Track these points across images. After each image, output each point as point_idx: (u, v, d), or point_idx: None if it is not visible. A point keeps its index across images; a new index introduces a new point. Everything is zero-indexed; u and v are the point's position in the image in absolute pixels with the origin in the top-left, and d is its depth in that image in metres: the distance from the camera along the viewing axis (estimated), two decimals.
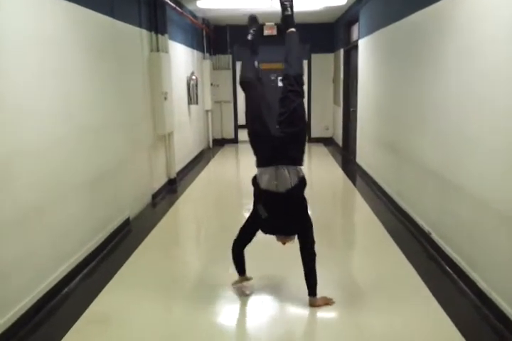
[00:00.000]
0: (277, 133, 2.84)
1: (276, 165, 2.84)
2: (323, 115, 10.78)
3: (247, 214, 3.17)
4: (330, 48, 10.33)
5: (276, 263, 3.76)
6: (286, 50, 3.08)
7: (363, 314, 3.01)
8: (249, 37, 3.31)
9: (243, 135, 3.41)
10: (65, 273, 3.46)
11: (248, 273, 3.32)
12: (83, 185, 3.82)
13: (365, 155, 7.19)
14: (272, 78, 12.29)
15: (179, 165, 7.19)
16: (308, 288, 3.08)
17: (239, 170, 8.76)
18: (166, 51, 6.11)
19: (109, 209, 4.36)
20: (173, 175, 6.68)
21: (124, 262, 3.91)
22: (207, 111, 10.10)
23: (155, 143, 5.98)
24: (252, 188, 3.02)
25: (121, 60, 4.76)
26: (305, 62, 10.49)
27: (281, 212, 2.90)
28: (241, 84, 3.09)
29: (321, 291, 3.12)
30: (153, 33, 5.78)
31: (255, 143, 2.97)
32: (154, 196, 5.88)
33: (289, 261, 3.49)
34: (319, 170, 8.06)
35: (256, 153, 2.97)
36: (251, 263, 3.32)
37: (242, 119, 3.08)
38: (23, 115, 2.94)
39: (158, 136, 6.07)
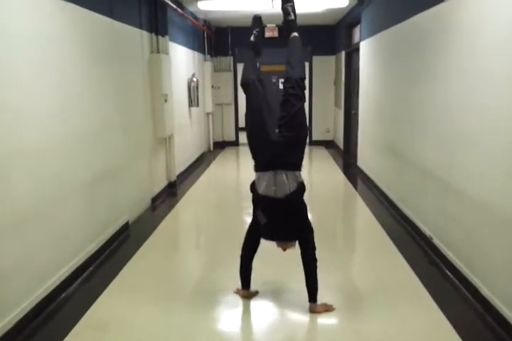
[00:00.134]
0: (277, 137, 2.81)
1: (274, 170, 2.80)
2: (324, 117, 10.75)
3: (247, 218, 3.14)
4: (331, 50, 10.31)
5: (277, 269, 3.72)
6: (288, 53, 3.05)
7: (363, 319, 2.98)
8: (252, 38, 3.27)
9: (244, 138, 3.38)
10: (63, 278, 3.43)
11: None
12: (82, 188, 3.78)
13: (366, 159, 7.15)
14: (273, 80, 12.26)
15: (179, 168, 7.15)
16: (308, 293, 3.04)
17: (239, 173, 8.72)
18: (167, 53, 6.08)
19: (108, 213, 4.32)
20: (173, 178, 6.65)
21: (123, 266, 3.87)
22: (208, 113, 10.07)
23: (155, 146, 5.95)
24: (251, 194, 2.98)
25: (121, 61, 4.72)
26: (306, 65, 10.48)
27: (280, 218, 2.86)
28: (242, 85, 3.05)
29: (322, 296, 3.08)
30: (153, 34, 5.76)
31: (254, 146, 2.94)
32: (154, 199, 5.85)
33: (289, 266, 3.45)
34: (320, 173, 8.02)
35: (254, 157, 2.93)
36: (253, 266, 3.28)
37: (243, 122, 3.04)
38: (20, 116, 2.91)
39: (159, 138, 6.04)
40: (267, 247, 3.15)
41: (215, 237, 4.74)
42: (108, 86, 4.35)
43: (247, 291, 3.25)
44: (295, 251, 3.00)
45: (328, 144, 10.66)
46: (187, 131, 7.96)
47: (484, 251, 3.08)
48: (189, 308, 3.17)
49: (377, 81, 6.26)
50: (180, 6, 7.00)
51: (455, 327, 2.84)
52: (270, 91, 3.05)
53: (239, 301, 3.23)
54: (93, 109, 4.02)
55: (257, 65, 3.20)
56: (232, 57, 10.35)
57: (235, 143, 10.92)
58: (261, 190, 2.84)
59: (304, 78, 2.96)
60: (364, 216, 5.33)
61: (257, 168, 2.89)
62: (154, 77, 5.72)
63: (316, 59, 10.52)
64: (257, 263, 3.18)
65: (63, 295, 3.37)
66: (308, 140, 10.80)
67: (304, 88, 2.93)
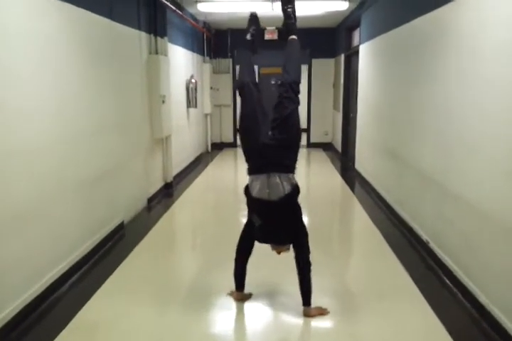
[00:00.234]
0: (269, 139, 2.79)
1: (268, 172, 2.78)
2: (322, 120, 10.74)
3: (243, 220, 3.12)
4: (331, 53, 10.30)
5: (271, 271, 3.69)
6: (285, 56, 3.05)
7: (358, 323, 2.96)
8: (249, 37, 3.25)
9: None
10: (56, 277, 3.41)
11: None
12: (77, 188, 3.76)
13: (364, 162, 7.13)
14: (272, 82, 12.26)
15: (176, 168, 7.13)
16: (302, 297, 3.02)
17: (237, 174, 8.69)
18: (165, 54, 6.06)
19: (103, 213, 4.30)
20: (169, 179, 6.62)
21: (116, 267, 3.85)
22: (206, 114, 10.06)
23: (152, 147, 5.92)
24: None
25: (119, 62, 4.70)
26: (305, 67, 10.48)
27: (274, 221, 2.83)
28: (238, 88, 3.05)
29: (317, 300, 3.07)
30: (152, 35, 5.73)
31: (247, 149, 2.92)
32: (150, 200, 5.82)
33: (283, 269, 3.43)
34: (318, 176, 8.00)
35: (248, 159, 2.91)
36: (248, 269, 3.24)
37: None
38: (16, 116, 2.89)
39: (156, 139, 6.01)
40: (261, 250, 3.12)
41: (210, 239, 4.71)
42: (105, 86, 4.33)
43: (240, 294, 3.23)
44: (289, 254, 2.98)
45: (326, 147, 10.64)
46: (185, 132, 7.94)
47: (482, 258, 3.06)
48: (182, 310, 3.14)
49: (376, 84, 6.25)
50: (180, 7, 6.98)
51: (450, 333, 2.81)
52: (267, 95, 3.02)
53: (233, 303, 3.21)
54: (90, 109, 4.00)
55: (254, 66, 3.17)
56: (231, 59, 10.34)
57: (233, 145, 10.90)
58: (254, 192, 2.81)
59: (299, 82, 2.94)
60: (361, 219, 5.31)
61: (251, 171, 2.87)
62: (152, 78, 5.70)
63: (315, 62, 10.51)
64: (251, 265, 3.16)
65: (55, 294, 3.35)
66: (306, 142, 10.89)
67: (298, 92, 2.92)
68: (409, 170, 4.65)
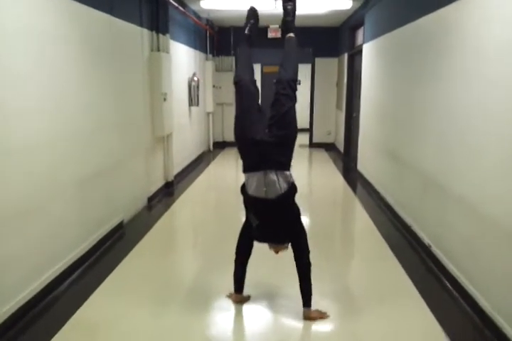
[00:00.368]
0: (266, 137, 2.75)
1: (264, 169, 2.73)
2: (325, 120, 10.69)
3: (244, 220, 3.08)
4: (334, 52, 10.24)
5: (270, 272, 3.66)
6: (283, 54, 3.03)
7: (358, 326, 2.92)
8: (247, 31, 3.20)
9: None
10: (54, 276, 3.38)
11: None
12: (76, 186, 3.73)
13: (366, 163, 7.08)
14: (275, 81, 12.18)
15: (178, 167, 7.09)
16: (303, 298, 2.99)
17: (239, 173, 8.60)
18: (167, 51, 6.01)
19: (102, 212, 4.26)
20: (170, 178, 6.58)
21: (115, 266, 3.82)
22: (208, 113, 10.01)
23: (153, 145, 5.88)
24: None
25: (119, 59, 4.66)
26: (308, 66, 10.44)
27: (272, 220, 2.80)
28: (235, 84, 3.01)
29: (317, 302, 3.04)
30: (154, 32, 5.69)
31: (243, 147, 2.88)
32: (150, 199, 5.78)
33: (283, 270, 3.42)
34: (320, 176, 7.96)
35: (243, 157, 2.87)
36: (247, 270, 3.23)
37: None
38: (14, 113, 2.86)
39: (157, 137, 5.97)
40: (259, 250, 3.10)
41: (211, 238, 4.67)
42: (106, 84, 4.29)
43: (239, 296, 3.20)
44: (288, 254, 2.94)
45: (329, 147, 10.59)
46: (186, 131, 7.90)
47: (484, 262, 3.01)
48: (182, 311, 3.11)
49: (380, 84, 6.20)
50: (183, 4, 6.94)
51: (450, 337, 2.77)
52: (269, 93, 2.99)
53: (232, 305, 3.18)
54: (90, 106, 3.96)
55: (252, 63, 3.12)
56: (234, 57, 10.28)
57: (235, 144, 10.82)
58: (251, 191, 2.77)
59: (296, 80, 2.91)
60: (362, 221, 5.26)
61: (247, 169, 2.83)
62: (154, 75, 5.65)
63: (318, 61, 10.46)
64: (249, 266, 3.13)
65: (54, 293, 3.33)
66: (308, 142, 10.84)
67: (296, 89, 2.89)
68: (411, 171, 4.60)
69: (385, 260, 4.03)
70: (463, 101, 3.37)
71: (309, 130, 10.85)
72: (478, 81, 3.12)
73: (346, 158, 9.00)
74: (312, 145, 10.76)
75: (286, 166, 2.81)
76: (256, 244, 3.04)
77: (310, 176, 8.12)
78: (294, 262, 2.95)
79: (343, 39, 9.46)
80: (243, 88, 2.93)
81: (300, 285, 2.97)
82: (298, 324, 2.96)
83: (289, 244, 2.92)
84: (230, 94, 10.48)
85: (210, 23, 9.35)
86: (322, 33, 10.11)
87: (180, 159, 7.37)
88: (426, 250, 4.04)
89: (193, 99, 8.05)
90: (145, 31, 5.45)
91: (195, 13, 8.16)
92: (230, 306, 3.17)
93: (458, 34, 3.49)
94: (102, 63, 4.20)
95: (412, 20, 4.63)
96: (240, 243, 3.09)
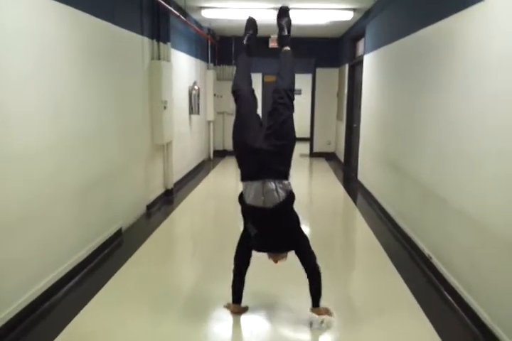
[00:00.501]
0: (265, 146, 2.75)
1: (263, 179, 2.73)
2: (325, 130, 10.71)
3: (242, 229, 3.06)
4: (335, 63, 10.28)
5: (268, 282, 3.62)
6: (279, 65, 3.06)
7: (358, 337, 2.90)
8: (245, 41, 3.23)
9: None
10: (50, 284, 3.35)
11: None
12: (74, 193, 3.71)
13: (366, 173, 7.07)
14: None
15: (177, 175, 7.08)
16: (312, 299, 3.00)
17: (238, 182, 8.58)
18: (168, 59, 6.03)
19: (100, 219, 4.24)
20: (170, 186, 6.56)
21: (112, 275, 3.79)
22: (209, 121, 10.02)
23: (152, 153, 5.87)
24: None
25: (120, 66, 4.67)
26: (309, 77, 10.47)
27: (270, 228, 2.79)
28: (233, 93, 3.03)
29: None
30: (155, 40, 5.71)
31: (241, 155, 2.88)
32: (149, 207, 5.76)
33: (282, 279, 3.42)
34: (320, 186, 7.94)
35: (241, 166, 2.87)
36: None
37: None
38: (13, 121, 2.85)
39: (156, 145, 5.97)
40: (257, 260, 3.07)
41: (210, 247, 4.64)
42: (106, 91, 4.29)
43: (237, 306, 3.16)
44: (287, 263, 2.92)
45: (329, 156, 10.59)
46: (186, 139, 7.90)
47: (485, 274, 2.98)
48: (179, 320, 3.08)
49: (380, 94, 6.21)
50: (184, 13, 6.96)
51: None
52: (270, 102, 2.99)
53: (230, 315, 3.14)
54: (89, 113, 3.96)
55: (250, 72, 3.15)
56: (235, 67, 10.30)
57: (234, 152, 10.82)
58: (249, 200, 2.76)
59: (293, 89, 2.93)
60: (362, 232, 5.23)
61: (244, 178, 2.82)
62: (154, 83, 5.66)
63: (319, 71, 10.51)
64: (247, 276, 3.10)
65: (50, 301, 3.30)
66: (309, 152, 10.84)
67: (293, 98, 2.90)
68: (411, 182, 4.59)
69: (384, 270, 3.99)
70: (463, 113, 3.37)
71: (310, 139, 10.86)
72: (479, 92, 3.12)
73: (347, 168, 8.99)
74: (312, 154, 10.76)
75: (285, 175, 2.80)
76: (254, 254, 3.01)
77: (310, 186, 8.10)
78: (303, 268, 2.95)
79: (344, 50, 9.50)
80: (241, 97, 2.95)
81: (310, 287, 2.98)
82: (297, 335, 2.94)
83: (288, 253, 2.90)
84: (230, 103, 10.46)
85: (211, 32, 9.40)
86: (323, 44, 10.16)
87: (180, 167, 7.36)
88: (426, 261, 4.01)
89: (193, 108, 8.06)
90: (146, 39, 5.47)
91: (196, 23, 8.20)
92: (228, 316, 3.13)
93: (458, 46, 3.50)
94: (102, 71, 4.21)
95: (412, 32, 4.64)
96: (238, 253, 3.07)
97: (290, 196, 2.78)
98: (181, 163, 7.42)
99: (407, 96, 4.90)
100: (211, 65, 9.79)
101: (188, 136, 8.00)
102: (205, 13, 7.21)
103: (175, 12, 6.07)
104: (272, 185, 2.71)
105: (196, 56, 8.48)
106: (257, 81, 9.76)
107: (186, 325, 3.02)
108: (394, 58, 5.52)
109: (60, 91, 3.45)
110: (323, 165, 9.87)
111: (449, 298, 3.44)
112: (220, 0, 6.59)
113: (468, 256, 3.23)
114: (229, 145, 10.77)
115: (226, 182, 8.36)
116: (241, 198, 2.84)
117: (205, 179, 8.20)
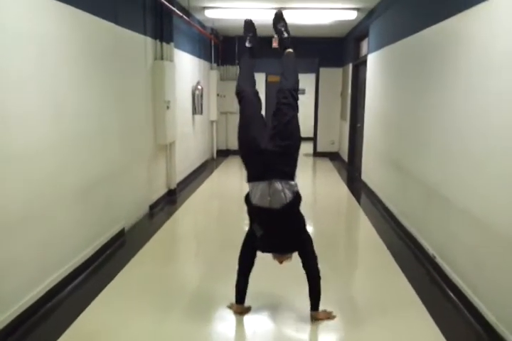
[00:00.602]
0: (270, 146, 2.75)
1: (269, 179, 2.72)
2: (329, 129, 10.69)
3: (247, 229, 3.05)
4: (339, 63, 10.26)
5: (271, 283, 3.61)
6: (283, 65, 3.08)
7: (361, 337, 2.89)
8: (248, 44, 3.25)
9: None
10: (53, 285, 3.35)
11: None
12: (76, 193, 3.70)
13: (370, 172, 7.05)
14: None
15: (180, 175, 7.07)
16: (311, 302, 3.01)
17: (242, 182, 8.61)
18: (171, 60, 6.02)
19: (102, 220, 4.24)
20: (173, 186, 6.56)
21: (115, 275, 3.78)
22: (212, 121, 10.02)
23: (155, 153, 5.87)
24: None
25: (123, 67, 4.67)
26: (313, 76, 10.45)
27: (276, 229, 2.78)
28: (236, 95, 3.03)
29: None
30: (158, 40, 5.71)
31: (247, 156, 2.88)
32: (152, 207, 5.75)
33: (285, 280, 3.41)
34: (324, 186, 7.92)
35: (247, 167, 2.86)
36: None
37: None
38: (13, 121, 2.84)
39: (159, 145, 5.96)
40: (260, 261, 3.06)
41: (213, 247, 4.63)
42: (108, 91, 4.29)
43: (240, 306, 3.15)
44: (289, 265, 2.92)
45: (333, 156, 10.57)
46: (189, 139, 7.89)
47: (489, 274, 2.96)
48: (182, 320, 3.08)
49: (384, 94, 6.19)
50: (187, 13, 6.96)
51: None
52: (274, 102, 2.99)
53: (233, 315, 3.13)
54: (91, 113, 3.95)
55: (253, 73, 3.16)
56: (238, 67, 10.30)
57: (239, 153, 10.80)
58: (255, 200, 2.75)
59: (297, 89, 2.94)
60: (366, 231, 5.21)
61: (251, 178, 2.81)
62: (157, 83, 5.66)
63: (323, 71, 10.48)
64: (251, 276, 3.09)
65: (53, 301, 3.30)
66: (312, 151, 10.82)
67: (297, 98, 2.90)
68: (415, 182, 4.57)
69: (388, 270, 3.98)
70: (467, 113, 3.34)
71: (313, 139, 10.84)
72: (483, 92, 3.09)
73: (350, 168, 8.97)
74: (316, 154, 10.74)
75: (291, 176, 2.80)
76: (258, 254, 3.01)
77: (314, 185, 8.08)
78: (303, 269, 2.95)
79: (348, 49, 9.48)
80: (245, 99, 2.96)
81: (310, 290, 2.98)
82: (299, 335, 2.93)
83: (293, 254, 2.90)
84: (234, 103, 10.47)
85: (214, 32, 9.39)
86: (327, 44, 10.14)
87: (183, 167, 7.35)
88: (430, 260, 3.99)
89: (196, 108, 8.05)
90: (149, 40, 5.46)
91: (199, 23, 8.19)
92: (231, 316, 3.12)
93: (463, 45, 3.48)
94: (104, 71, 4.20)
95: (416, 31, 4.62)
96: (243, 253, 3.06)
97: (297, 197, 2.78)
98: (184, 163, 7.41)
99: (410, 95, 4.88)
100: (214, 65, 9.78)
101: (191, 135, 8.00)
102: (209, 13, 7.21)
103: (178, 12, 6.07)
104: (278, 185, 2.70)
105: (199, 56, 8.48)
106: (260, 81, 9.73)
107: (189, 325, 3.01)
108: (398, 58, 5.50)
109: (61, 91, 3.45)
110: (326, 164, 9.85)
111: (454, 297, 3.42)
112: (224, 0, 6.59)
113: (472, 256, 3.21)
114: (232, 144, 10.81)
115: (229, 181, 8.35)
116: (247, 198, 2.83)
117: (209, 179, 8.19)
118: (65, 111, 3.52)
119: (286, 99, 2.83)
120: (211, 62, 9.62)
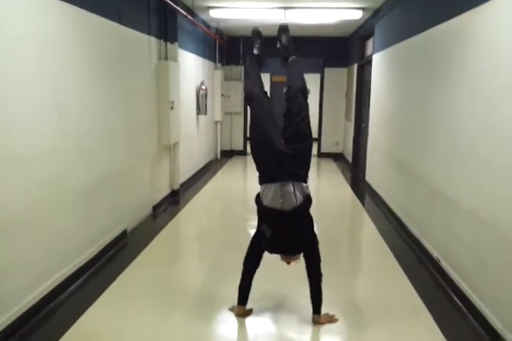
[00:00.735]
0: (282, 148, 2.75)
1: (281, 181, 2.71)
2: (334, 130, 10.65)
3: (250, 230, 3.04)
4: (344, 63, 10.21)
5: (274, 285, 3.59)
6: (288, 69, 3.13)
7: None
8: (255, 51, 3.27)
9: None
10: (55, 285, 3.34)
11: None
12: (79, 194, 3.68)
13: (374, 173, 7.00)
14: (284, 91, 12.17)
15: (184, 176, 7.05)
16: (313, 305, 2.99)
17: (246, 182, 8.61)
18: (175, 60, 6.00)
19: (105, 221, 4.22)
20: (176, 187, 6.53)
21: (117, 276, 3.76)
22: (216, 121, 10.00)
23: (159, 153, 5.85)
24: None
25: (127, 66, 4.65)
26: (318, 76, 10.41)
27: (285, 231, 2.76)
28: (246, 99, 3.04)
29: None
30: (162, 40, 5.69)
31: (259, 158, 2.87)
32: (155, 207, 5.73)
33: (288, 280, 3.39)
34: (327, 187, 7.88)
35: (259, 168, 2.86)
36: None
37: None
38: (15, 121, 2.83)
39: (163, 146, 5.94)
40: (263, 262, 3.04)
41: (216, 249, 4.60)
42: (112, 91, 4.27)
43: (242, 308, 3.13)
44: (292, 266, 2.88)
45: (337, 157, 10.53)
46: (194, 139, 7.87)
47: (495, 279, 2.91)
48: (184, 322, 3.06)
49: (389, 95, 6.14)
50: (192, 13, 6.93)
51: None
52: (279, 102, 2.99)
53: (235, 318, 3.11)
54: (95, 113, 3.93)
55: (260, 75, 3.17)
56: (243, 67, 10.29)
57: (243, 153, 10.82)
58: (266, 201, 2.75)
59: (306, 88, 2.94)
60: (370, 233, 5.17)
61: (263, 180, 2.81)
62: (161, 83, 5.64)
63: (328, 71, 10.44)
64: (255, 276, 3.07)
65: (54, 302, 3.29)
66: (316, 152, 10.78)
67: (307, 97, 2.91)
68: (420, 183, 4.52)
69: (391, 272, 3.94)
70: (473, 112, 3.30)
71: (318, 140, 10.80)
72: (489, 91, 3.05)
73: (354, 169, 8.92)
74: (320, 155, 10.70)
75: (304, 177, 2.79)
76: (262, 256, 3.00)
77: (318, 186, 8.03)
78: (306, 271, 2.94)
79: (353, 49, 9.43)
80: (255, 100, 2.95)
81: (311, 293, 2.97)
82: (301, 337, 2.92)
83: (301, 255, 2.88)
84: (238, 103, 10.48)
85: (219, 32, 9.37)
86: (332, 43, 10.10)
87: (187, 168, 7.33)
88: (433, 263, 3.95)
89: (201, 108, 8.03)
90: (153, 39, 5.44)
91: (204, 23, 8.17)
92: (233, 318, 3.10)
93: (469, 44, 3.43)
94: (108, 71, 4.18)
95: (422, 31, 4.57)
96: (250, 254, 3.04)
97: (307, 200, 2.78)
98: (188, 164, 7.39)
99: (416, 95, 4.83)
100: (219, 64, 9.76)
101: (195, 136, 7.98)
102: (213, 13, 7.18)
103: (182, 12, 6.04)
104: (290, 187, 2.70)
105: (204, 56, 8.45)
106: (265, 81, 9.72)
107: (191, 327, 3.00)
108: (403, 57, 5.46)
109: (64, 92, 3.43)
110: (330, 165, 9.81)
111: (457, 300, 3.38)
112: (228, 0, 6.56)
113: (477, 258, 3.17)
114: (236, 145, 10.79)
115: (233, 182, 8.32)
116: (258, 199, 2.83)
117: (212, 179, 8.17)
118: (69, 112, 3.50)
119: (295, 99, 2.84)
120: (215, 62, 9.59)
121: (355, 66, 8.91)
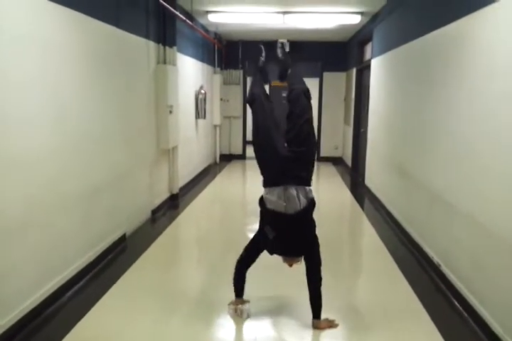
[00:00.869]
0: (285, 151, 2.76)
1: (285, 185, 2.73)
2: (333, 134, 10.66)
3: (250, 234, 3.04)
4: (342, 67, 10.23)
5: (275, 285, 3.60)
6: (289, 78, 3.19)
7: None
8: (261, 63, 3.34)
9: (251, 151, 3.36)
10: (54, 289, 3.34)
11: (246, 293, 3.19)
12: (78, 198, 3.68)
13: (374, 178, 7.00)
14: (284, 95, 12.19)
15: (183, 180, 7.04)
16: (312, 310, 2.98)
17: (245, 186, 8.60)
18: (174, 64, 6.01)
19: (103, 225, 4.21)
20: (175, 191, 6.53)
21: (116, 280, 3.75)
22: (215, 125, 10.01)
23: (158, 158, 5.85)
24: (258, 208, 2.91)
25: (125, 71, 4.65)
26: (316, 81, 10.43)
27: (288, 234, 2.78)
28: (248, 101, 3.04)
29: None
30: (160, 44, 5.69)
31: (263, 161, 2.88)
32: (154, 211, 5.72)
33: (288, 284, 3.38)
34: (327, 191, 7.88)
35: (263, 172, 2.87)
36: (249, 285, 3.19)
37: (250, 135, 3.08)
38: (14, 126, 2.82)
39: (162, 150, 5.94)
40: (265, 262, 3.05)
41: (215, 253, 4.59)
42: (110, 95, 4.27)
43: (240, 299, 3.17)
44: (291, 269, 2.91)
45: (336, 161, 10.53)
46: (192, 143, 7.87)
47: (496, 284, 2.90)
48: (183, 326, 3.06)
49: (388, 99, 6.15)
50: (190, 17, 6.95)
51: None
52: (278, 106, 3.00)
53: (235, 320, 3.11)
54: (93, 117, 3.93)
55: (263, 85, 3.22)
56: (242, 71, 10.32)
57: (242, 157, 10.82)
58: (270, 205, 2.76)
59: (308, 90, 2.94)
60: (369, 238, 5.16)
61: (267, 184, 2.82)
62: (160, 87, 5.64)
63: (326, 75, 10.47)
64: (252, 282, 3.09)
65: (54, 306, 3.29)
66: (316, 156, 10.73)
67: (310, 98, 2.92)
68: (419, 188, 4.52)
69: (391, 277, 3.93)
70: (472, 116, 3.31)
71: (317, 144, 10.80)
72: (488, 95, 3.06)
73: (354, 173, 8.93)
74: (320, 159, 10.70)
75: (307, 181, 2.81)
76: (260, 261, 3.00)
77: (317, 190, 8.01)
78: (306, 274, 2.93)
79: (352, 54, 9.45)
80: (257, 101, 2.96)
81: (310, 297, 2.96)
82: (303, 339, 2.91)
83: (302, 257, 2.90)
84: (237, 107, 10.50)
85: (218, 36, 9.39)
86: (330, 48, 10.13)
87: (186, 172, 7.33)
88: (433, 267, 3.94)
89: (199, 112, 8.04)
90: (151, 44, 5.45)
91: (203, 27, 8.19)
92: (232, 322, 3.10)
93: (468, 48, 3.44)
94: (107, 75, 4.18)
95: (421, 35, 4.59)
96: (248, 253, 3.06)
97: (311, 203, 2.79)
98: (187, 168, 7.39)
99: (415, 100, 4.84)
100: (218, 69, 9.77)
101: (194, 140, 7.98)
102: (212, 18, 7.20)
103: (181, 16, 6.06)
104: (293, 191, 2.72)
105: (203, 60, 8.47)
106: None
107: (191, 330, 2.99)
108: (402, 62, 5.47)
109: (63, 96, 3.43)
110: (330, 169, 9.81)
111: (458, 305, 3.38)
112: (227, 4, 6.58)
113: (477, 264, 3.16)
114: (235, 149, 10.79)
115: (232, 186, 8.32)
116: (261, 201, 2.84)
117: (211, 183, 8.16)
118: (67, 116, 3.50)
119: (298, 101, 2.84)
120: (214, 66, 9.60)
121: (354, 70, 8.93)
